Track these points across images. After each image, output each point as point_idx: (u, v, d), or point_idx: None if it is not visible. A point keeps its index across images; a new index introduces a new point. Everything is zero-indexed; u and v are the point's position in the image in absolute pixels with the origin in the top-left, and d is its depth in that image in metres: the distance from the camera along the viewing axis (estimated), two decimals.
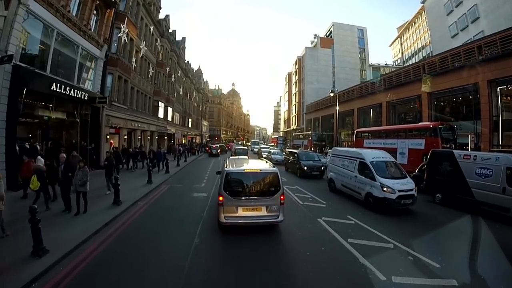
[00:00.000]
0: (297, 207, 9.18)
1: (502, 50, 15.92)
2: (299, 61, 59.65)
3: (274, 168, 6.95)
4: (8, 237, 5.55)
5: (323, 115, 42.40)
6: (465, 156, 9.60)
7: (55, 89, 11.05)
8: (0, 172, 6.91)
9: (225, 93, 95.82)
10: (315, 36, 62.04)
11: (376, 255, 5.35)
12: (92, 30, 14.92)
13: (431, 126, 15.33)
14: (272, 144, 57.43)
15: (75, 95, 12.43)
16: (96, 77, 15.36)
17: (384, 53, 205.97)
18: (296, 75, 62.06)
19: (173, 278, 4.42)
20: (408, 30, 53.41)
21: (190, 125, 47.66)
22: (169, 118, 32.46)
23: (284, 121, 77.91)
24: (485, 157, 8.89)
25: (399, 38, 58.17)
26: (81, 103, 13.46)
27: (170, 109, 32.64)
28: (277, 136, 69.24)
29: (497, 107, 17.04)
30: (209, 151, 33.79)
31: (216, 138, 71.30)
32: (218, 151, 33.37)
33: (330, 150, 21.11)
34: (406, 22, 53.94)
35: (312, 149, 30.67)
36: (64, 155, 7.95)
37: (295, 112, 61.63)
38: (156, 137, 27.62)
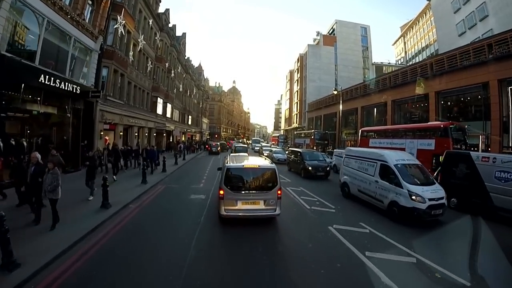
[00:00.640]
0: (304, 212, 8.46)
1: None
2: (301, 59, 58.80)
3: (272, 165, 7.34)
4: None
5: (326, 114, 41.69)
6: (484, 158, 8.97)
7: (43, 81, 10.26)
8: None
9: (226, 90, 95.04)
10: (318, 33, 61.21)
11: (400, 272, 4.66)
12: (87, 20, 14.15)
13: (442, 126, 14.66)
14: (273, 142, 56.77)
15: (66, 89, 11.64)
16: (90, 70, 14.57)
17: (385, 52, 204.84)
18: (298, 73, 61.25)
19: None
20: (412, 29, 52.65)
21: (190, 123, 46.91)
22: (168, 115, 31.68)
23: (285, 119, 77.21)
24: (505, 160, 8.28)
25: (402, 37, 57.39)
26: (73, 97, 12.67)
27: (169, 106, 31.86)
28: (277, 135, 68.59)
29: (508, 107, 16.42)
30: (209, 148, 33.34)
31: (216, 136, 70.70)
32: (218, 148, 32.82)
33: (336, 150, 20.57)
34: (410, 21, 53.17)
35: (315, 148, 29.98)
36: (38, 155, 6.59)
37: (297, 110, 60.87)
38: (155, 134, 26.85)
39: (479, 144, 16.98)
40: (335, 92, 29.69)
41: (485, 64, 17.08)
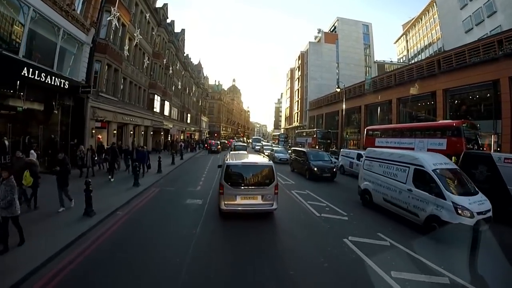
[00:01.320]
0: (314, 220, 7.57)
1: None
2: (302, 56, 57.94)
3: (270, 162, 7.83)
4: None
5: (327, 112, 40.91)
6: (507, 159, 8.24)
7: (26, 74, 9.41)
8: None
9: (225, 89, 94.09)
10: (319, 31, 60.30)
11: None
12: (78, 11, 13.28)
13: (454, 124, 13.87)
14: (274, 142, 55.98)
15: (53, 83, 10.77)
16: (81, 65, 13.68)
17: (386, 51, 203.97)
18: (299, 71, 60.40)
19: None
20: (414, 27, 51.83)
21: (189, 121, 46.00)
22: (166, 113, 30.78)
23: (286, 118, 76.42)
24: None
25: (404, 35, 56.51)
26: (61, 93, 11.80)
27: (167, 103, 30.95)
28: (278, 134, 67.80)
29: None
30: (208, 147, 33.06)
31: (216, 135, 69.90)
32: (218, 147, 32.49)
33: (343, 150, 19.66)
34: (412, 19, 52.32)
35: (317, 147, 29.15)
36: None
37: (297, 109, 60.06)
38: (151, 133, 25.95)
39: (487, 143, 16.33)
40: (338, 90, 28.84)
41: (496, 61, 16.52)
